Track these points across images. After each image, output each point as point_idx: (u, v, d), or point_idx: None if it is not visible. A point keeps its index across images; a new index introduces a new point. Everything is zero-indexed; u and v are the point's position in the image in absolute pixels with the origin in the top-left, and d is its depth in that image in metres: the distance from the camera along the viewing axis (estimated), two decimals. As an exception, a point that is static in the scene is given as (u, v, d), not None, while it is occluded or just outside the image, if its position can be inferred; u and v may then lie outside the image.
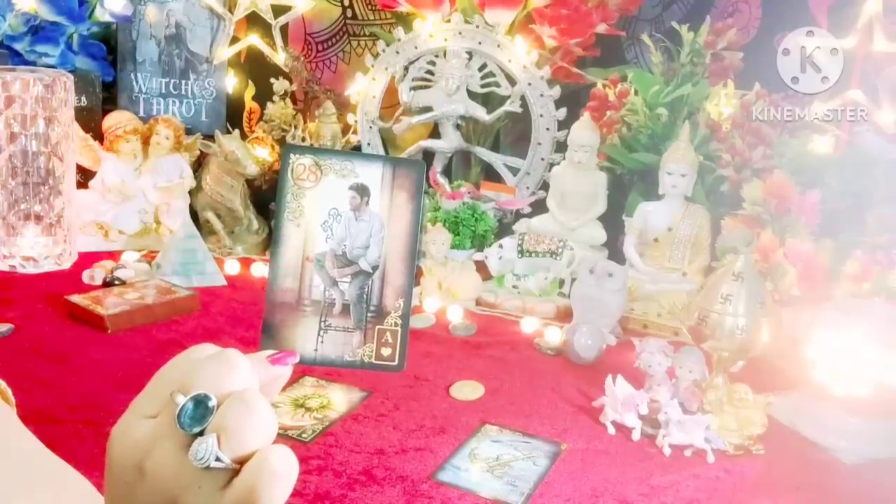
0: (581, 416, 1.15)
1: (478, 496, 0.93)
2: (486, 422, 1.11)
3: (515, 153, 1.88)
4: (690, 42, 1.63)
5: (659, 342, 1.15)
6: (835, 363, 1.09)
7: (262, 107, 1.99)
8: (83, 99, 1.83)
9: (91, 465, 0.93)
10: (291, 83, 1.97)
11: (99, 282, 1.52)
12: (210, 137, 1.78)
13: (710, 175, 1.57)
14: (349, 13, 2.15)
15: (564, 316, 1.49)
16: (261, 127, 1.97)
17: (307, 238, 0.40)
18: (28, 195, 1.57)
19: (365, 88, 1.91)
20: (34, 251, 1.58)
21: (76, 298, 1.39)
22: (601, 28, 1.80)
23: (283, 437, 1.04)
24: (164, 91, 1.97)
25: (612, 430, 1.10)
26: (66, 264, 1.61)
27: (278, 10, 1.97)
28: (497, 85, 1.82)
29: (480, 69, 1.82)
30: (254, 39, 1.98)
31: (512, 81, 1.80)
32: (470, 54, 1.81)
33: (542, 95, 1.78)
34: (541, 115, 1.79)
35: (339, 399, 1.15)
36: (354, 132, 1.94)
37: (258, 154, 1.89)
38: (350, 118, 1.94)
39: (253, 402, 0.39)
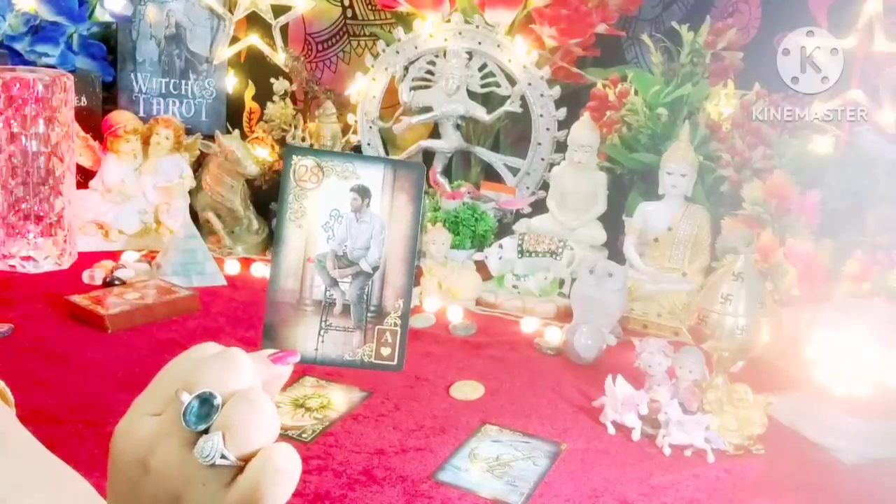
0: (581, 416, 1.15)
1: (478, 496, 0.93)
2: (486, 422, 1.11)
3: (515, 153, 1.88)
4: (690, 42, 1.63)
5: (659, 342, 1.15)
6: (835, 363, 1.09)
7: (262, 107, 1.98)
8: (83, 99, 1.83)
9: (91, 465, 0.92)
10: (291, 83, 1.97)
11: (99, 282, 1.52)
12: (210, 137, 1.78)
13: (710, 175, 1.57)
14: (349, 13, 2.15)
15: (564, 316, 1.49)
16: (261, 127, 1.97)
17: (308, 239, 0.41)
18: (28, 195, 1.57)
19: (365, 88, 1.91)
20: (34, 251, 1.58)
21: (76, 298, 1.39)
22: (601, 28, 1.80)
23: (284, 436, 1.03)
24: (164, 91, 1.97)
25: (612, 430, 1.10)
26: (66, 264, 1.61)
27: (278, 10, 1.97)
28: (497, 85, 1.82)
29: (480, 69, 1.82)
30: (254, 39, 1.98)
31: (512, 81, 1.80)
32: (470, 54, 1.81)
33: (542, 95, 1.78)
34: (541, 115, 1.79)
35: (339, 399, 1.15)
36: (354, 132, 1.94)
37: (258, 154, 1.89)
38: (350, 118, 1.94)
39: (257, 401, 0.39)
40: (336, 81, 2.10)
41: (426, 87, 1.86)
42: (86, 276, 1.55)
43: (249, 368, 0.40)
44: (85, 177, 1.76)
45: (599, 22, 1.79)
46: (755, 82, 1.57)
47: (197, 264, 1.57)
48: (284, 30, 2.00)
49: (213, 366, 0.40)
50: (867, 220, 1.36)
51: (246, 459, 0.39)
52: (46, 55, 1.86)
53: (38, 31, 1.86)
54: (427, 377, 1.24)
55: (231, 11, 1.96)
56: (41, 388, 1.11)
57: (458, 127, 1.87)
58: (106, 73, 1.93)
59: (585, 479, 0.99)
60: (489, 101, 1.84)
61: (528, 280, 1.57)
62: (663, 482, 0.99)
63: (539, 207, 1.74)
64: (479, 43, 1.79)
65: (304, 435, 1.04)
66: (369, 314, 0.42)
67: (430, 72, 1.86)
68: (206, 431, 0.38)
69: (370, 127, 1.92)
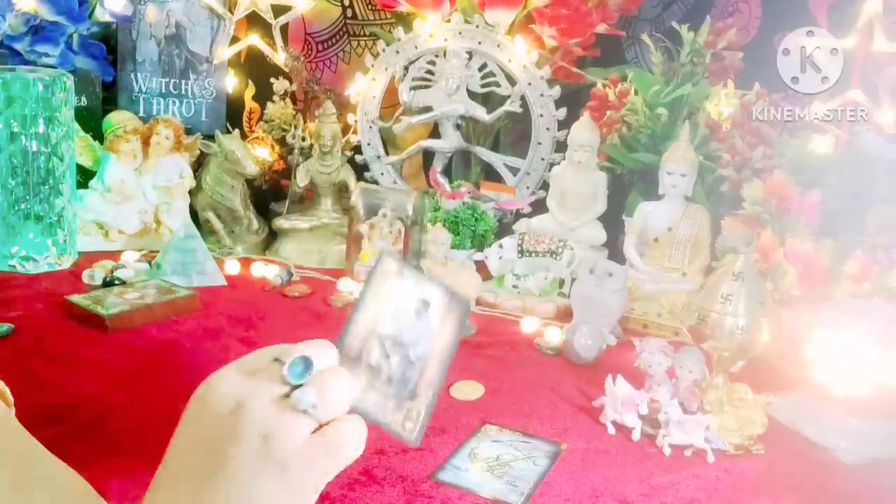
0: (581, 416, 1.15)
1: (478, 496, 0.93)
2: (486, 422, 1.11)
3: (515, 153, 1.88)
4: (690, 42, 1.63)
5: (659, 342, 1.15)
6: (835, 363, 1.09)
7: (262, 107, 1.99)
8: (83, 99, 1.83)
9: (91, 465, 0.92)
10: (291, 83, 1.97)
11: (99, 282, 1.52)
12: (210, 137, 1.78)
13: (710, 175, 1.57)
14: (349, 13, 2.15)
15: (564, 316, 1.49)
16: (261, 127, 1.97)
17: (379, 317, 0.51)
18: (28, 195, 1.57)
19: (365, 88, 1.91)
20: (34, 251, 1.58)
21: (76, 298, 1.39)
22: (601, 28, 1.80)
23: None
24: (164, 91, 1.97)
25: (612, 430, 1.10)
26: (66, 264, 1.61)
27: (278, 10, 1.97)
28: (497, 85, 1.82)
29: (480, 69, 1.82)
30: (254, 39, 1.98)
31: (512, 81, 1.80)
32: (470, 54, 1.81)
33: (542, 95, 1.78)
34: (541, 115, 1.80)
35: (339, 399, 1.15)
36: (354, 132, 1.94)
37: (258, 154, 1.89)
38: (350, 118, 1.94)
39: (346, 375, 0.49)
40: (336, 81, 2.10)
41: (426, 87, 1.86)
42: (86, 276, 1.55)
43: (335, 355, 0.49)
44: (85, 177, 1.76)
45: (599, 22, 1.79)
46: (755, 82, 1.57)
47: (197, 264, 1.57)
48: (284, 30, 2.00)
49: (308, 345, 0.49)
50: (867, 220, 1.36)
51: (321, 423, 0.47)
52: (46, 55, 1.86)
53: (38, 31, 1.86)
54: (427, 377, 1.24)
55: (231, 11, 1.96)
56: (41, 388, 1.11)
57: (458, 127, 1.87)
58: (106, 73, 1.93)
59: (585, 479, 0.99)
60: (489, 101, 1.84)
61: (528, 280, 1.57)
62: (663, 482, 0.99)
63: (539, 207, 1.74)
64: (479, 43, 1.79)
65: (304, 435, 1.04)
66: (405, 392, 0.51)
67: (430, 72, 1.86)
68: (299, 387, 0.47)
69: (370, 127, 1.92)
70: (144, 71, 1.96)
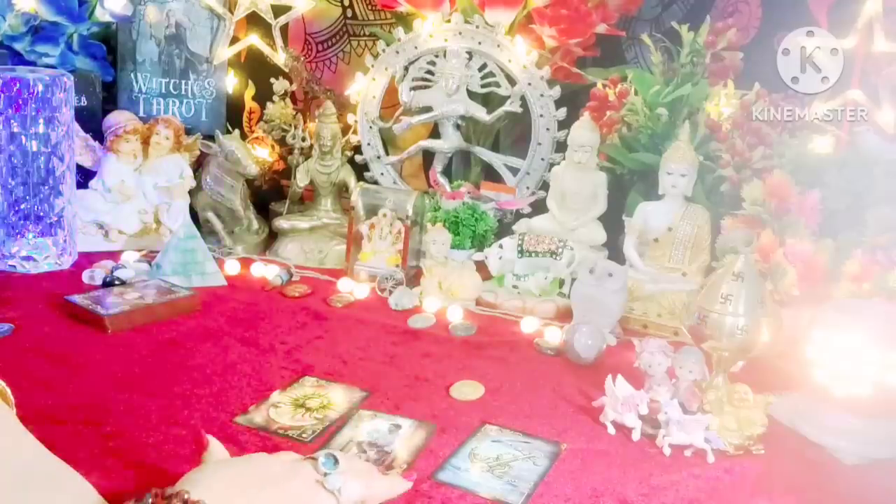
0: (581, 416, 1.15)
1: (478, 496, 0.93)
2: (486, 422, 1.11)
3: (515, 153, 1.88)
4: (690, 42, 1.63)
5: (659, 342, 1.15)
6: (835, 363, 1.09)
7: (262, 107, 1.99)
8: (83, 99, 1.83)
9: (91, 465, 0.93)
10: (291, 83, 1.97)
11: (99, 282, 1.52)
12: (210, 137, 1.78)
13: (710, 175, 1.57)
14: (349, 13, 2.15)
15: (564, 316, 1.49)
16: (261, 127, 1.97)
17: None
18: (28, 195, 1.57)
19: (365, 88, 1.91)
20: (34, 251, 1.58)
21: (76, 298, 1.39)
22: (601, 28, 1.80)
23: (284, 437, 1.04)
24: (164, 91, 1.97)
25: (612, 430, 1.10)
26: (66, 264, 1.62)
27: (278, 10, 1.97)
28: (497, 85, 1.82)
29: (480, 69, 1.82)
30: (254, 39, 1.99)
31: (512, 81, 1.80)
32: (470, 54, 1.81)
33: (542, 95, 1.78)
34: (541, 115, 1.80)
35: (340, 399, 1.15)
36: (354, 132, 1.94)
37: (258, 154, 1.89)
38: (350, 118, 1.94)
39: (365, 468, 0.86)
40: (336, 81, 2.10)
41: (426, 87, 1.86)
42: (86, 276, 1.55)
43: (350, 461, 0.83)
44: (85, 177, 1.76)
45: (599, 22, 1.79)
46: (755, 82, 1.57)
47: (197, 264, 1.57)
48: (284, 30, 2.00)
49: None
50: (867, 220, 1.36)
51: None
52: (46, 55, 1.86)
53: (38, 31, 1.86)
54: (427, 377, 1.24)
55: (231, 11, 1.96)
56: (41, 388, 1.11)
57: (458, 127, 1.87)
58: (106, 73, 1.93)
59: (585, 479, 0.99)
60: (489, 101, 1.84)
61: (528, 280, 1.57)
62: (663, 482, 0.99)
63: (539, 207, 1.74)
64: (479, 43, 1.79)
65: (303, 435, 1.04)
66: None
67: (430, 72, 1.86)
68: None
69: (370, 127, 1.92)
70: (144, 71, 1.96)
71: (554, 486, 0.97)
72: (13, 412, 0.76)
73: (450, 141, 1.86)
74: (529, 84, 1.78)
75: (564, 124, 1.76)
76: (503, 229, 1.73)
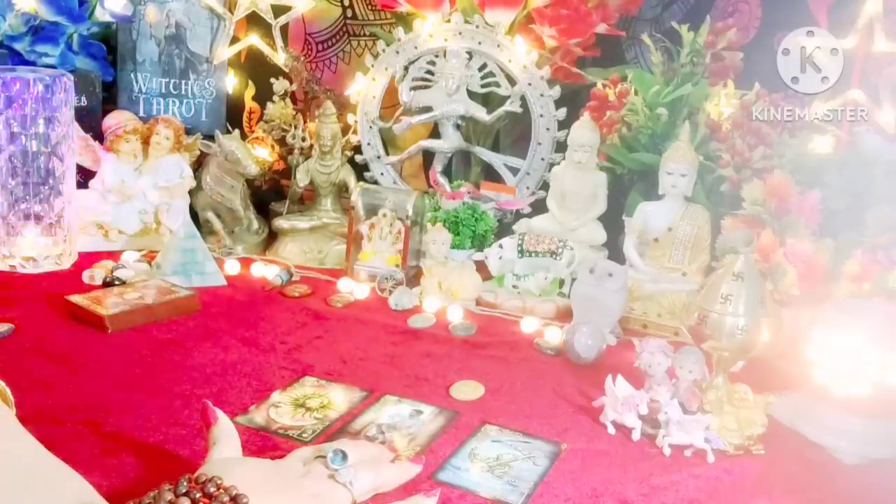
0: (581, 416, 1.15)
1: (478, 496, 0.93)
2: (486, 422, 1.11)
3: (515, 153, 1.88)
4: (690, 42, 1.63)
5: (659, 342, 1.15)
6: (835, 363, 1.09)
7: (262, 107, 1.99)
8: (83, 99, 1.83)
9: (91, 466, 0.93)
10: (291, 83, 1.97)
11: (99, 282, 1.52)
12: (210, 137, 1.78)
13: (710, 175, 1.57)
14: (349, 13, 2.15)
15: (564, 316, 1.49)
16: (261, 127, 1.97)
17: None
18: (28, 195, 1.57)
19: (365, 88, 1.91)
20: (34, 251, 1.58)
21: (76, 298, 1.39)
22: (601, 28, 1.80)
23: (284, 436, 1.04)
24: (164, 91, 1.97)
25: (612, 430, 1.10)
26: (66, 264, 1.61)
27: (278, 10, 1.97)
28: (497, 85, 1.82)
29: (480, 69, 1.82)
30: (254, 39, 1.99)
31: (512, 81, 1.80)
32: (470, 54, 1.81)
33: (542, 95, 1.78)
34: (541, 115, 1.80)
35: (340, 399, 1.15)
36: (354, 132, 1.94)
37: (258, 154, 1.89)
38: (350, 118, 1.94)
39: (375, 454, 0.91)
40: (336, 81, 2.10)
41: (426, 87, 1.86)
42: (86, 276, 1.55)
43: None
44: (85, 177, 1.76)
45: (599, 22, 1.79)
46: (755, 82, 1.57)
47: (197, 264, 1.57)
48: (284, 30, 2.00)
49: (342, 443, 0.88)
50: (867, 220, 1.36)
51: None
52: (46, 55, 1.86)
53: (38, 31, 1.86)
54: (427, 377, 1.24)
55: (231, 11, 1.96)
56: (41, 388, 1.11)
57: (458, 127, 1.87)
58: (106, 73, 1.93)
59: (585, 479, 0.99)
60: (489, 101, 1.84)
61: (528, 280, 1.57)
62: (663, 482, 0.99)
63: (539, 207, 1.74)
64: (479, 43, 1.79)
65: (304, 435, 1.04)
66: None
67: (430, 72, 1.86)
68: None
69: (370, 127, 1.92)
70: (144, 71, 1.96)
71: (554, 486, 0.97)
72: (13, 412, 0.76)
73: (450, 141, 1.86)
74: (529, 84, 1.78)
75: (564, 124, 1.76)
76: (503, 229, 1.73)
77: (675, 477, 1.00)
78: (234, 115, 2.02)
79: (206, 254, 1.59)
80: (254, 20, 1.99)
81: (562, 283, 1.57)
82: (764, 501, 0.97)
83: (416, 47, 1.85)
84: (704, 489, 0.98)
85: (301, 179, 1.82)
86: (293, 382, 1.19)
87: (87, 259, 1.64)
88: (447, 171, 1.90)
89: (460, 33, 1.80)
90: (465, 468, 0.99)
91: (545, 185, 1.77)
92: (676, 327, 1.41)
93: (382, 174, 1.94)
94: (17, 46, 1.85)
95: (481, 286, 1.57)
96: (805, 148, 1.48)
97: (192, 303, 1.44)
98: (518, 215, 1.79)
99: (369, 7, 2.13)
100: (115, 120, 1.80)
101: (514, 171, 1.86)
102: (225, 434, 0.87)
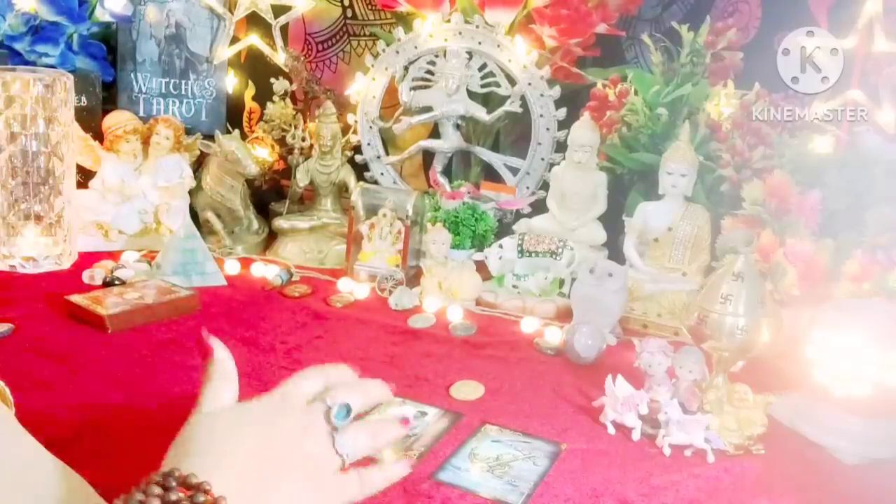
0: (581, 416, 1.15)
1: (478, 496, 0.93)
2: (486, 422, 1.11)
3: (515, 153, 1.88)
4: (690, 42, 1.63)
5: (659, 342, 1.15)
6: (835, 363, 1.09)
7: (262, 107, 1.99)
8: (83, 99, 1.83)
9: (91, 466, 0.92)
10: (291, 83, 1.97)
11: (99, 282, 1.52)
12: (210, 137, 1.78)
13: (710, 175, 1.57)
14: (349, 13, 2.15)
15: (564, 316, 1.49)
16: (261, 127, 1.97)
17: None
18: (28, 195, 1.57)
19: (365, 88, 1.91)
20: (34, 251, 1.58)
21: (76, 298, 1.39)
22: (601, 28, 1.80)
23: (283, 437, 1.03)
24: (164, 91, 1.97)
25: (612, 430, 1.10)
26: (66, 264, 1.61)
27: (278, 10, 1.97)
28: (497, 85, 1.82)
29: (480, 69, 1.82)
30: (254, 39, 1.99)
31: (512, 81, 1.80)
32: (470, 54, 1.81)
33: (542, 95, 1.78)
34: (541, 115, 1.80)
35: (339, 399, 1.15)
36: (354, 132, 1.94)
37: (258, 154, 1.89)
38: (350, 118, 1.94)
39: (374, 426, 0.78)
40: (336, 81, 2.10)
41: (426, 87, 1.86)
42: (86, 276, 1.55)
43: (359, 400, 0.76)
44: (85, 177, 1.76)
45: (599, 22, 1.79)
46: (755, 82, 1.57)
47: (197, 264, 1.57)
48: (284, 30, 2.00)
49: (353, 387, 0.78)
50: (867, 220, 1.36)
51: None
52: (46, 55, 1.86)
53: (38, 31, 1.86)
54: (427, 377, 1.24)
55: (231, 11, 1.96)
56: (41, 388, 1.11)
57: (458, 127, 1.87)
58: (106, 73, 1.93)
59: (585, 479, 0.99)
60: (489, 101, 1.84)
61: (528, 280, 1.57)
62: (663, 482, 0.99)
63: (539, 207, 1.74)
64: (479, 43, 1.79)
65: (304, 435, 1.04)
66: None
67: (430, 72, 1.86)
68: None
69: (370, 127, 1.92)
70: (144, 71, 1.96)
71: (554, 486, 0.97)
72: (13, 412, 0.76)
73: (450, 141, 1.87)
74: (529, 84, 1.78)
75: (564, 124, 1.76)
76: (503, 229, 1.73)
77: (675, 477, 1.00)
78: (234, 115, 2.02)
79: (206, 254, 1.59)
80: (254, 20, 1.99)
81: (562, 283, 1.57)
82: (764, 501, 0.97)
83: (416, 47, 1.85)
84: (704, 489, 0.98)
85: (301, 179, 1.83)
86: (293, 382, 1.19)
87: (87, 259, 1.64)
88: (447, 171, 1.91)
89: (460, 33, 1.80)
90: (465, 468, 0.99)
91: (545, 185, 1.77)
92: (676, 327, 1.41)
93: (382, 174, 1.94)
94: (17, 46, 1.85)
95: (481, 286, 1.57)
96: (805, 148, 1.48)
97: (192, 303, 1.44)
98: (518, 215, 1.79)
99: (369, 7, 2.13)
100: (115, 120, 1.80)
101: (514, 171, 1.86)
102: (221, 372, 0.80)
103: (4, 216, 1.57)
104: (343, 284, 1.60)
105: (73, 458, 0.73)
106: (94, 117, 1.85)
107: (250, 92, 2.03)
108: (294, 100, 2.00)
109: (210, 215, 1.79)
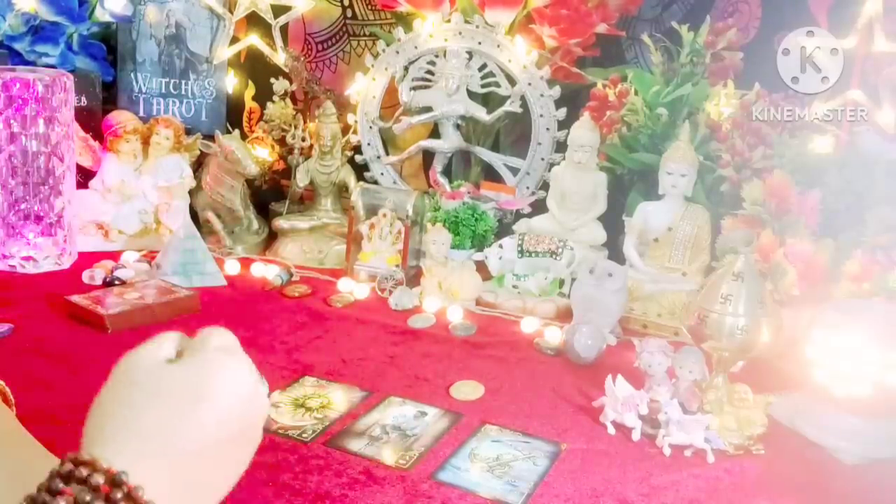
0: (581, 416, 1.15)
1: (478, 496, 0.93)
2: (486, 422, 1.11)
3: (515, 153, 1.88)
4: (690, 42, 1.63)
5: (659, 342, 1.15)
6: (835, 363, 1.09)
7: (262, 107, 1.99)
8: (83, 99, 1.83)
9: (91, 465, 0.92)
10: (291, 83, 1.97)
11: (99, 282, 1.52)
12: (210, 137, 1.78)
13: (710, 175, 1.57)
14: (349, 13, 2.15)
15: (564, 316, 1.49)
16: (261, 127, 1.97)
17: None
18: (28, 195, 1.57)
19: (365, 88, 1.91)
20: (34, 251, 1.58)
21: (76, 298, 1.39)
22: (601, 28, 1.80)
23: (284, 436, 1.04)
24: (164, 91, 1.97)
25: (612, 430, 1.10)
26: (66, 264, 1.62)
27: (278, 10, 1.97)
28: (497, 85, 1.82)
29: (480, 69, 1.82)
30: (254, 39, 1.98)
31: (512, 81, 1.80)
32: (470, 54, 1.81)
33: (542, 95, 1.78)
34: (541, 115, 1.79)
35: (339, 399, 1.15)
36: (354, 132, 1.94)
37: (258, 154, 1.89)
38: (350, 118, 1.94)
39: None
40: (336, 81, 2.10)
41: (426, 87, 1.86)
42: (86, 276, 1.55)
43: None
44: (85, 177, 1.76)
45: (599, 22, 1.79)
46: (755, 82, 1.57)
47: (197, 264, 1.57)
48: (284, 30, 2.00)
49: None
50: (867, 220, 1.36)
51: None
52: (46, 55, 1.86)
53: (38, 31, 1.86)
54: (427, 377, 1.24)
55: (231, 11, 1.96)
56: (41, 388, 1.11)
57: (458, 127, 1.87)
58: (106, 73, 1.93)
59: (585, 479, 0.99)
60: (489, 101, 1.84)
61: (528, 280, 1.57)
62: (663, 482, 0.99)
63: (539, 207, 1.74)
64: (479, 43, 1.79)
65: (303, 435, 1.04)
66: None
67: (430, 72, 1.86)
68: None
69: (370, 127, 1.92)
70: (144, 71, 1.96)
71: (554, 486, 0.97)
72: (13, 412, 0.76)
73: (450, 141, 1.86)
74: (529, 84, 1.78)
75: (564, 124, 1.76)
76: (503, 229, 1.73)
77: (675, 477, 1.01)
78: (234, 115, 2.02)
79: (206, 254, 1.59)
80: (254, 20, 1.99)
81: (562, 283, 1.57)
82: (764, 501, 0.97)
83: (416, 47, 1.85)
84: (704, 489, 0.98)
85: (301, 179, 1.82)
86: (293, 382, 1.19)
87: (87, 259, 1.64)
88: (447, 171, 1.90)
89: (460, 33, 1.80)
90: (465, 468, 0.99)
91: (545, 185, 1.77)
92: (676, 327, 1.41)
93: (382, 174, 1.94)
94: (17, 46, 1.85)
95: (481, 286, 1.57)
96: (805, 148, 1.48)
97: (192, 303, 1.44)
98: (518, 215, 1.78)
99: (369, 7, 2.13)
100: (115, 120, 1.80)
101: (514, 171, 1.86)
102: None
103: (4, 216, 1.57)
104: (343, 284, 1.60)
105: (74, 458, 0.73)
106: (94, 117, 1.85)
107: (250, 92, 2.03)
108: (294, 100, 2.00)
109: (210, 215, 1.79)
